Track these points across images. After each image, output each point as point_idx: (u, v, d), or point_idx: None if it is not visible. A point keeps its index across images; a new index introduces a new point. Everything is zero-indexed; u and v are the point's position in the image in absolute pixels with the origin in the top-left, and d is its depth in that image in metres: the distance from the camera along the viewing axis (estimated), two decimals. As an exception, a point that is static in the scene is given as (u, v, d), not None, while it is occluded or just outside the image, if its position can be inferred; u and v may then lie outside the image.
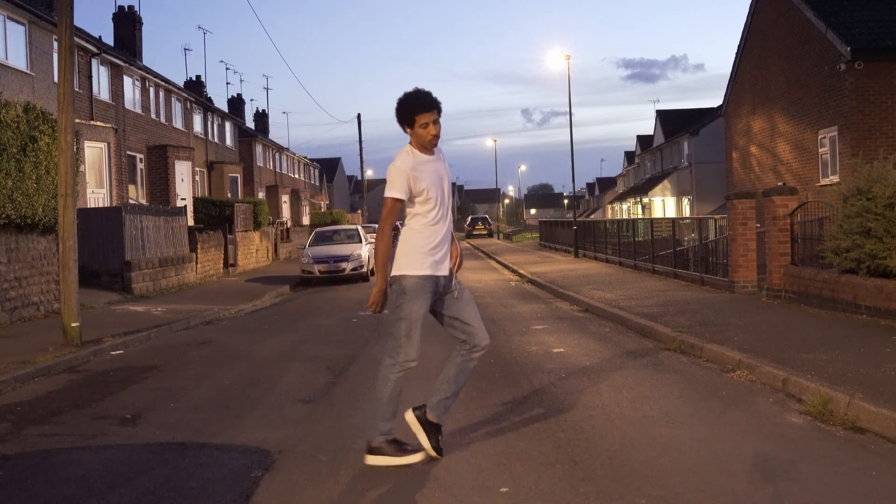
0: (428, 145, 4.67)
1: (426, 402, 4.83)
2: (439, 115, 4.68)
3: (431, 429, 4.76)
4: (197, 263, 22.36)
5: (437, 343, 9.84)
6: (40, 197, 13.06)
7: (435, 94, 4.71)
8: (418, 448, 4.74)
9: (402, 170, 4.60)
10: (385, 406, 4.73)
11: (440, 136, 4.70)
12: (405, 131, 4.70)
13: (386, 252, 4.66)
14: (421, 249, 4.68)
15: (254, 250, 29.53)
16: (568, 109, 69.26)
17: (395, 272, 4.71)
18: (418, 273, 4.66)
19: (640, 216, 48.19)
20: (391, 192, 4.62)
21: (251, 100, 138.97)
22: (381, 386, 4.74)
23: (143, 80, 27.30)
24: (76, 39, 18.86)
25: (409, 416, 4.78)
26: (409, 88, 4.73)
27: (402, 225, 4.84)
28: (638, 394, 6.44)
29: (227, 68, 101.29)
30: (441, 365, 8.23)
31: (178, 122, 30.92)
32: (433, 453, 4.73)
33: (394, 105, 4.69)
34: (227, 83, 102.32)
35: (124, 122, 25.23)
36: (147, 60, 40.01)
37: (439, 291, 4.77)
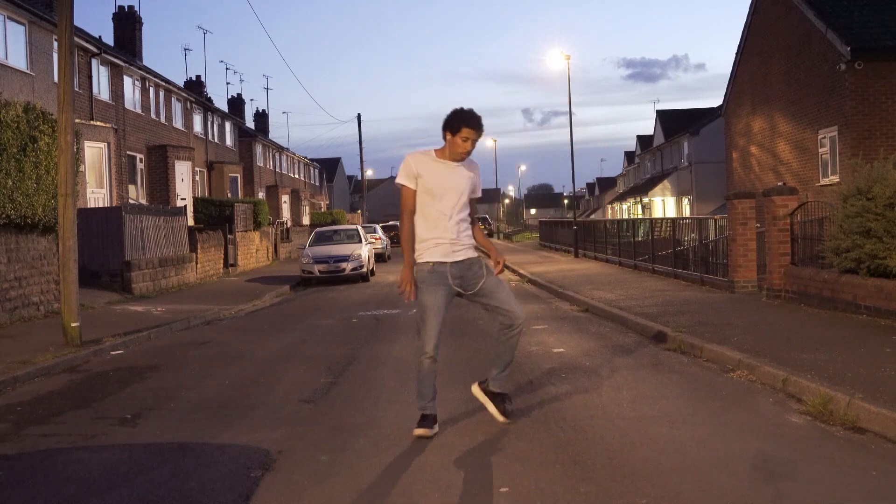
0: (458, 157, 5.34)
1: (487, 377, 5.61)
2: (478, 138, 5.37)
3: (497, 398, 5.54)
4: (197, 263, 22.36)
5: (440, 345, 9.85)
6: (40, 197, 13.06)
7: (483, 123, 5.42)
8: (430, 425, 5.35)
9: (408, 163, 5.36)
10: (417, 386, 5.44)
11: (471, 153, 5.42)
12: (444, 136, 5.35)
13: (406, 235, 5.37)
14: (420, 238, 5.34)
15: (254, 250, 29.53)
16: (568, 109, 69.14)
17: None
18: (421, 260, 5.32)
19: (640, 216, 48.19)
20: (400, 178, 5.38)
21: (251, 100, 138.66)
22: (415, 369, 5.49)
23: (143, 80, 27.30)
24: (76, 39, 18.86)
25: (475, 389, 5.65)
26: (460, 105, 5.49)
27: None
28: (638, 394, 6.44)
29: (227, 68, 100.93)
30: (442, 366, 8.24)
31: (178, 122, 30.92)
32: (501, 418, 5.50)
33: (445, 113, 5.39)
34: (227, 83, 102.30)
35: (124, 122, 25.23)
36: (147, 60, 40.03)
37: (453, 282, 5.32)
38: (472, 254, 5.43)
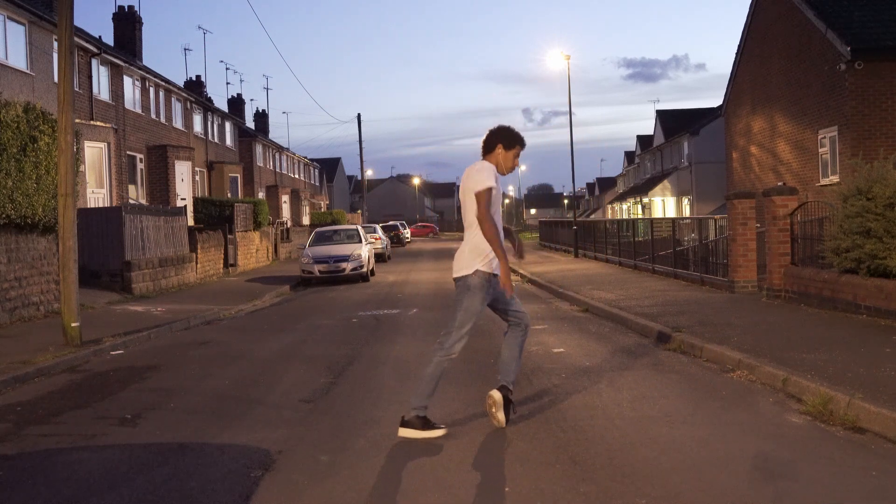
0: (506, 171, 5.65)
1: (505, 382, 5.59)
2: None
3: (509, 405, 5.55)
4: (197, 263, 22.36)
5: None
6: (40, 197, 13.06)
7: None
8: (439, 425, 5.39)
9: (492, 169, 5.48)
10: (428, 385, 5.38)
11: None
12: (493, 149, 5.56)
13: (495, 231, 5.30)
14: (486, 249, 5.35)
15: (254, 250, 29.53)
16: (568, 109, 69.19)
17: (465, 272, 5.38)
18: (483, 270, 5.36)
19: (640, 216, 48.18)
20: (490, 181, 5.37)
21: (251, 100, 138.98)
22: (427, 367, 5.46)
23: (143, 80, 27.29)
24: (76, 39, 18.87)
25: (497, 395, 5.49)
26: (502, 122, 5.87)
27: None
28: (638, 394, 6.44)
29: (227, 68, 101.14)
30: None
31: (178, 122, 30.91)
32: (503, 424, 5.47)
33: (486, 129, 5.68)
34: (227, 83, 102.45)
35: (124, 122, 25.22)
36: (147, 60, 40.05)
37: (495, 288, 5.44)
38: None
